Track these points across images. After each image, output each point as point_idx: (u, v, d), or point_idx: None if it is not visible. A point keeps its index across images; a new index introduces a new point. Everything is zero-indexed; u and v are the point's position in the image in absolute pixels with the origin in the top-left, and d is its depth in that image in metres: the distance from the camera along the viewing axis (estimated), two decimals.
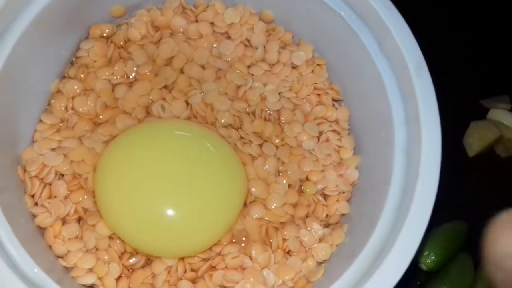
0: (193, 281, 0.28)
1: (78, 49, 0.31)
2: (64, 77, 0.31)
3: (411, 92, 0.27)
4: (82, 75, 0.31)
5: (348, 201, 0.30)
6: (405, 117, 0.28)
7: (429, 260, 0.33)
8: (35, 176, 0.28)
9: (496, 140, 0.37)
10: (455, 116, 0.36)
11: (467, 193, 0.36)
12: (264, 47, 0.32)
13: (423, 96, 0.27)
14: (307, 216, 0.30)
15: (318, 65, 0.32)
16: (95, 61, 0.31)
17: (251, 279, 0.28)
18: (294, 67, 0.32)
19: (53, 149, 0.29)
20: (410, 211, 0.26)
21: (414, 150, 0.27)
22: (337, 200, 0.30)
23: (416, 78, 0.27)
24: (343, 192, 0.30)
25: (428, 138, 0.27)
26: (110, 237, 0.28)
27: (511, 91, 0.38)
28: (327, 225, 0.30)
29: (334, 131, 0.31)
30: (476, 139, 0.37)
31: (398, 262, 0.25)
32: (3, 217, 0.25)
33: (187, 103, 0.31)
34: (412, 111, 0.28)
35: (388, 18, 0.28)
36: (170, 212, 0.27)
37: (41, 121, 0.30)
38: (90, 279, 0.27)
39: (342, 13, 0.30)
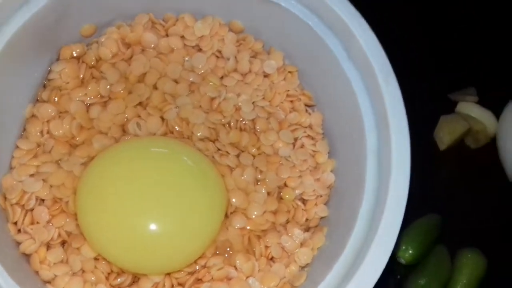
0: None
1: (49, 71, 0.31)
2: (37, 100, 0.31)
3: (379, 97, 0.28)
4: (55, 98, 0.31)
5: (326, 204, 0.31)
6: (375, 120, 0.29)
7: (407, 254, 0.35)
8: (16, 203, 0.29)
9: (465, 133, 0.38)
10: (425, 111, 0.38)
11: (439, 185, 0.37)
12: (235, 57, 0.33)
13: (391, 101, 0.28)
14: (287, 222, 0.30)
15: (289, 72, 0.33)
16: (68, 83, 0.31)
17: None
18: (266, 75, 0.33)
19: (31, 175, 0.29)
20: (385, 210, 0.26)
21: (384, 152, 0.28)
22: (316, 204, 0.31)
23: (383, 83, 0.28)
24: (321, 196, 0.31)
25: (397, 141, 0.27)
26: (96, 258, 0.28)
27: (477, 83, 0.40)
28: (307, 229, 0.31)
29: (308, 136, 0.32)
30: (446, 133, 0.38)
31: (378, 260, 0.26)
32: None
33: (163, 119, 0.31)
34: (381, 115, 0.28)
35: (354, 25, 0.29)
36: (153, 229, 0.28)
37: (17, 147, 0.30)
38: None
39: (310, 23, 0.30)
